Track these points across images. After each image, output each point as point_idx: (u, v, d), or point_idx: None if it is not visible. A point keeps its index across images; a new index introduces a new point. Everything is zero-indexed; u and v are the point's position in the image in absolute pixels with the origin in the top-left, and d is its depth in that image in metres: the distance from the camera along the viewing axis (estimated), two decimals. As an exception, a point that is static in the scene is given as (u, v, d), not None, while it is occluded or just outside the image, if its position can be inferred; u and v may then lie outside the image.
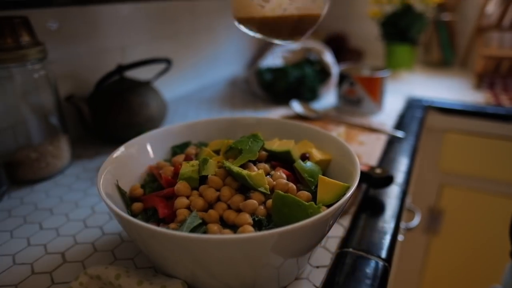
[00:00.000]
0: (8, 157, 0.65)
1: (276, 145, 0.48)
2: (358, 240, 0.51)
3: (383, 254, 0.49)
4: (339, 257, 0.48)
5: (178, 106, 1.08)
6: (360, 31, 1.70)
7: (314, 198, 0.43)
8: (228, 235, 0.31)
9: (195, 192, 0.41)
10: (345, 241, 0.51)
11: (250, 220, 0.37)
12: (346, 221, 0.56)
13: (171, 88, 1.13)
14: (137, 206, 0.44)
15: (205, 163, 0.42)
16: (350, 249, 0.49)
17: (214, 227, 0.36)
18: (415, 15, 1.37)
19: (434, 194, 1.23)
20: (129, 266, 0.46)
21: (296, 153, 0.47)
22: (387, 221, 0.56)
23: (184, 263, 0.36)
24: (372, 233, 0.53)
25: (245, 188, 0.41)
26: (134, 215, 0.44)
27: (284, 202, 0.37)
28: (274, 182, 0.41)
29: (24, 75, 0.63)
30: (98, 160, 0.76)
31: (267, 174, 0.44)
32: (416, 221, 0.87)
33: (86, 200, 0.62)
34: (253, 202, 0.38)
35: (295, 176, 0.46)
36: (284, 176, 0.43)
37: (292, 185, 0.41)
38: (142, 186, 0.49)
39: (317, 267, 0.47)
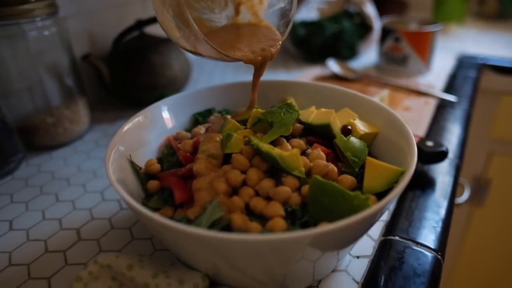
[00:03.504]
0: (23, 122, 0.61)
1: (313, 116, 0.41)
2: (405, 226, 0.44)
3: (435, 244, 0.42)
4: (383, 246, 0.42)
5: (203, 64, 1.00)
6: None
7: (359, 181, 0.36)
8: (254, 236, 0.25)
9: (218, 172, 0.34)
10: (390, 227, 0.44)
11: (281, 211, 0.31)
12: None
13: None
14: (153, 184, 0.39)
15: (229, 139, 0.35)
16: (397, 237, 0.43)
17: (239, 219, 0.30)
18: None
19: (482, 163, 1.12)
20: (147, 247, 0.42)
21: (336, 126, 0.40)
22: (439, 204, 0.48)
23: (205, 257, 0.31)
24: (422, 218, 0.46)
25: (276, 170, 0.34)
26: (149, 194, 0.39)
27: (323, 191, 0.30)
28: (311, 164, 0.34)
29: (34, 32, 0.57)
30: (119, 124, 0.71)
31: (303, 152, 0.37)
32: (465, 195, 0.79)
33: (104, 169, 0.58)
34: (285, 189, 0.31)
35: (336, 153, 0.39)
36: (323, 155, 0.36)
37: (332, 167, 0.34)
38: (160, 161, 0.43)
39: (358, 257, 0.41)
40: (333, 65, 0.88)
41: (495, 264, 1.21)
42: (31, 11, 0.55)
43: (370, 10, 1.02)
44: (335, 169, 0.35)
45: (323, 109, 0.42)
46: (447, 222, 0.46)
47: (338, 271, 0.39)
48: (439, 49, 1.03)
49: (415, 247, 0.41)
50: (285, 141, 0.36)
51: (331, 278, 0.38)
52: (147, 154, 0.44)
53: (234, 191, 0.34)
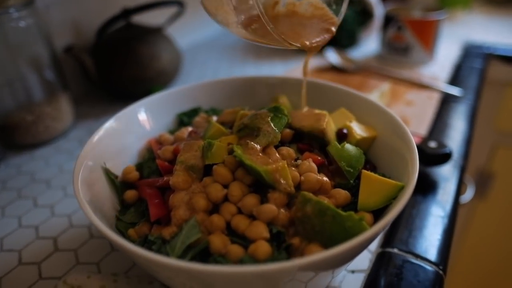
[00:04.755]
0: (2, 120, 0.58)
1: (305, 118, 0.37)
2: (405, 237, 0.41)
3: (436, 257, 0.39)
4: (381, 259, 0.39)
5: (196, 55, 0.96)
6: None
7: (354, 193, 0.33)
8: (232, 267, 0.22)
9: (197, 185, 0.31)
10: (388, 237, 0.41)
11: (266, 233, 0.28)
12: (389, 208, 0.45)
13: (186, 34, 1.01)
14: (130, 195, 0.36)
15: (210, 148, 0.32)
16: (395, 250, 0.40)
17: (218, 241, 0.27)
18: None
19: (485, 156, 1.09)
20: (127, 259, 0.39)
21: (330, 131, 0.36)
22: (442, 210, 0.45)
23: (182, 282, 0.28)
24: (423, 227, 0.43)
25: (261, 184, 0.31)
26: (126, 206, 0.36)
27: (313, 210, 0.27)
28: (302, 178, 0.31)
29: (10, 23, 0.53)
30: (105, 120, 0.67)
31: (294, 160, 0.33)
32: (468, 194, 0.75)
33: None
34: (270, 208, 0.28)
35: (329, 159, 0.35)
36: (315, 167, 0.32)
37: (326, 182, 0.31)
38: (140, 166, 0.40)
39: (353, 271, 0.38)
40: (331, 56, 0.84)
41: (497, 259, 1.19)
42: (4, 1, 0.51)
43: (372, -4, 0.97)
44: (328, 183, 0.31)
45: (316, 110, 0.39)
46: (449, 232, 0.43)
47: (331, 288, 0.36)
48: (444, 37, 0.98)
49: (414, 261, 0.38)
50: (273, 149, 0.33)
51: (323, 296, 0.35)
52: (125, 160, 0.41)
53: (214, 207, 0.30)
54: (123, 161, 0.40)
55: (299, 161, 0.33)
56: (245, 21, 0.34)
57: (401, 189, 0.30)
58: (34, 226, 0.45)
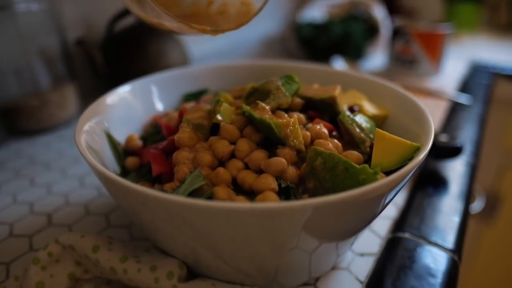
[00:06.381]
0: (6, 103, 0.57)
1: (316, 91, 0.36)
2: (416, 223, 0.39)
3: (451, 242, 0.37)
4: (392, 244, 0.37)
5: (203, 61, 0.97)
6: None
7: (366, 161, 0.31)
8: (238, 203, 0.20)
9: (202, 144, 0.30)
10: (399, 224, 0.39)
11: (274, 184, 0.26)
12: (399, 198, 0.43)
13: (197, 42, 1.02)
14: (132, 161, 0.34)
15: (219, 104, 0.31)
16: (406, 234, 0.37)
17: (223, 192, 0.26)
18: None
19: (493, 176, 1.07)
20: (124, 236, 0.37)
21: (342, 101, 0.35)
22: (454, 202, 0.43)
23: (182, 238, 0.26)
24: (435, 215, 0.41)
25: (270, 142, 0.30)
26: (126, 172, 0.35)
27: (324, 163, 0.26)
28: (312, 137, 0.29)
29: (22, 6, 0.54)
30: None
31: (303, 127, 0.32)
32: (477, 205, 0.73)
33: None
34: (280, 160, 0.27)
35: (340, 133, 0.34)
36: (326, 131, 0.31)
37: (336, 142, 0.30)
38: (143, 139, 0.39)
39: (362, 254, 0.35)
40: (340, 65, 0.84)
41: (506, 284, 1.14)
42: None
43: (378, 13, 0.98)
44: (339, 144, 0.30)
45: (327, 86, 0.38)
46: (464, 220, 0.40)
47: (339, 269, 0.34)
48: (450, 55, 0.99)
49: (427, 246, 0.36)
50: (283, 113, 0.31)
51: (330, 276, 0.33)
52: (129, 130, 0.39)
53: (220, 164, 0.29)
54: (127, 130, 0.39)
55: (309, 125, 0.31)
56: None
57: (416, 150, 0.28)
58: (29, 203, 0.43)
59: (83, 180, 0.47)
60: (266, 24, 1.27)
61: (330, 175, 0.26)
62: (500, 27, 1.35)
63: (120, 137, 0.38)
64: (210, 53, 1.04)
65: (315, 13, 1.04)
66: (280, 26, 1.32)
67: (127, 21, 0.71)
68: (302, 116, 0.32)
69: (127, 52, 0.68)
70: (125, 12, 0.68)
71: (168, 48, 0.70)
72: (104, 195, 0.45)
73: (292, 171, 0.27)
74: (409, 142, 0.29)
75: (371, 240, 0.37)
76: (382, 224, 0.39)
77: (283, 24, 1.32)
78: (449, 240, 0.37)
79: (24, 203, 0.43)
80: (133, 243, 0.36)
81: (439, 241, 0.37)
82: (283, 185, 0.27)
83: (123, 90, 0.40)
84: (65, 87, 0.61)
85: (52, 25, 0.59)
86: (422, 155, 0.26)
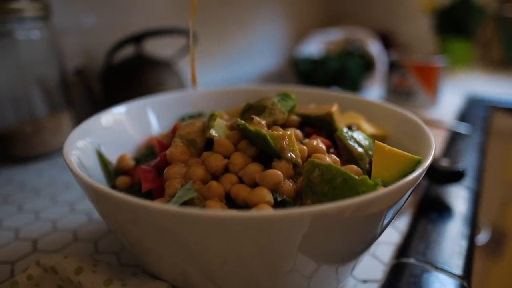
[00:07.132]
0: (2, 131, 0.57)
1: (311, 109, 0.36)
2: (421, 249, 0.37)
3: (460, 267, 0.35)
4: (396, 270, 0.34)
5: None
6: (407, 28, 1.54)
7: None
8: (229, 212, 0.19)
9: (195, 159, 0.29)
10: (403, 250, 0.37)
11: (269, 197, 0.25)
12: (401, 223, 0.42)
13: (199, 75, 1.03)
14: (123, 180, 0.33)
15: (212, 119, 0.30)
16: (411, 260, 0.35)
17: (215, 205, 0.24)
18: (475, 9, 1.20)
19: (497, 210, 1.04)
20: (110, 262, 0.35)
21: (338, 118, 0.34)
22: (460, 227, 0.41)
23: (172, 257, 0.24)
24: (441, 240, 0.39)
25: (266, 158, 0.28)
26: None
27: (322, 175, 0.24)
28: (309, 151, 0.28)
29: (23, 34, 0.55)
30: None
31: (299, 142, 0.31)
32: (483, 237, 0.71)
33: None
34: (275, 172, 0.25)
35: (338, 151, 0.33)
36: (323, 146, 0.30)
37: (335, 158, 0.29)
38: (136, 160, 0.38)
39: (365, 281, 0.33)
40: (336, 97, 0.85)
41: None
42: (21, 11, 0.52)
43: (374, 48, 1.01)
44: (338, 160, 0.29)
45: (324, 106, 0.37)
46: (471, 245, 0.38)
47: (341, 296, 0.31)
48: (446, 89, 1.00)
49: (435, 272, 0.34)
50: (279, 127, 0.31)
51: (331, 304, 0.31)
52: (122, 151, 0.38)
53: (213, 179, 0.28)
54: (120, 152, 0.38)
55: (306, 140, 0.30)
56: None
57: (417, 163, 0.27)
58: (14, 229, 0.41)
59: (74, 206, 0.46)
60: (265, 60, 1.30)
61: (329, 187, 0.24)
62: (493, 63, 1.38)
63: (113, 158, 0.37)
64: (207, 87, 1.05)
65: (312, 49, 1.06)
66: (278, 62, 1.34)
67: (126, 52, 0.72)
68: (298, 132, 0.32)
69: (125, 82, 0.68)
70: (123, 43, 0.69)
71: (165, 79, 0.71)
72: (94, 221, 0.43)
73: (288, 185, 0.26)
74: (409, 154, 0.28)
75: (373, 266, 0.35)
76: (385, 249, 0.37)
77: (281, 59, 1.35)
78: (458, 266, 0.35)
79: (9, 229, 0.41)
80: (120, 268, 0.34)
81: (447, 267, 0.35)
82: (279, 199, 0.25)
83: (118, 111, 0.39)
84: (61, 114, 0.61)
85: (52, 54, 0.59)
86: (425, 165, 0.24)
